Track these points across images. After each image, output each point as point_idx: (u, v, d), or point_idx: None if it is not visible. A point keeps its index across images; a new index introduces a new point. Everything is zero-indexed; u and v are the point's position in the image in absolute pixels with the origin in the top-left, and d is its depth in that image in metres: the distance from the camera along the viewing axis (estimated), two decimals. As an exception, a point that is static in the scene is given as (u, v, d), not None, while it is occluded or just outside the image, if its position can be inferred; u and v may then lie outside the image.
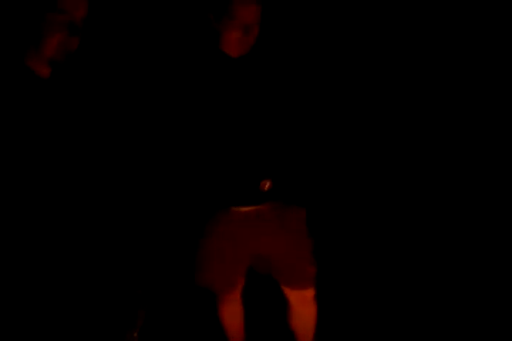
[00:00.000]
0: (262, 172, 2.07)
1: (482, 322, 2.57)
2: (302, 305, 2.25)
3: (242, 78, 2.08)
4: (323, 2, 2.80)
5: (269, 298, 2.46)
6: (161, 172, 2.15)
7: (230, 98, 2.05)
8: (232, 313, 2.34)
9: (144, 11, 2.62)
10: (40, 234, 1.71)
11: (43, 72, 1.75)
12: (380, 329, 2.60)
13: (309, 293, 2.22)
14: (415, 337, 2.56)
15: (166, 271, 2.51)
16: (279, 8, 2.52)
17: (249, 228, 2.10)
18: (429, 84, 2.88)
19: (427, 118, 2.91)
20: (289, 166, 2.13)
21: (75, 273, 1.79)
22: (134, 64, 2.46)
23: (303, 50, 2.53)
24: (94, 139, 1.87)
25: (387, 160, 2.95)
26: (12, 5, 1.75)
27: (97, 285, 1.90)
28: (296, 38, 2.63)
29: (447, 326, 2.58)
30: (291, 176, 2.14)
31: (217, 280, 2.19)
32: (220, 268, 2.15)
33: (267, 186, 2.06)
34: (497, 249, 2.79)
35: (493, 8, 2.72)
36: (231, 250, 2.13)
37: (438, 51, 2.81)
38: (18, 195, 1.67)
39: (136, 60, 2.49)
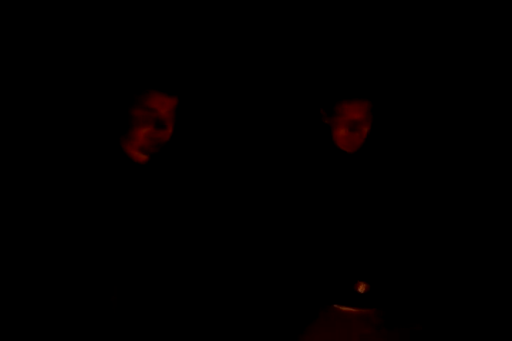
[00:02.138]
0: (362, 273, 2.09)
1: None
2: None
3: (355, 174, 2.14)
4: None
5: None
6: (265, 267, 2.17)
7: (341, 194, 2.12)
8: None
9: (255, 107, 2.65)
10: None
11: (139, 158, 1.86)
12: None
13: None
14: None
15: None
16: (392, 105, 2.55)
17: (350, 330, 2.08)
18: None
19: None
20: (390, 270, 2.13)
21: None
22: (243, 154, 2.51)
23: (417, 152, 2.51)
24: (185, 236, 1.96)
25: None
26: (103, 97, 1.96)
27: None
28: (410, 137, 2.60)
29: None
30: (394, 282, 2.13)
31: None
32: None
33: (361, 287, 2.07)
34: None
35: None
36: None
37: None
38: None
39: (246, 150, 2.53)
